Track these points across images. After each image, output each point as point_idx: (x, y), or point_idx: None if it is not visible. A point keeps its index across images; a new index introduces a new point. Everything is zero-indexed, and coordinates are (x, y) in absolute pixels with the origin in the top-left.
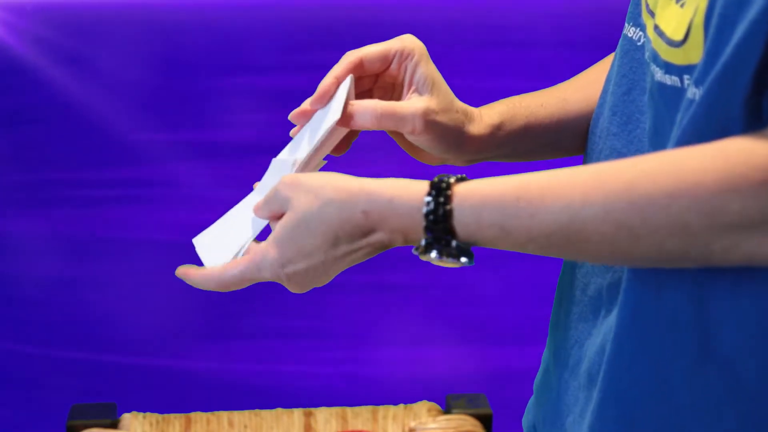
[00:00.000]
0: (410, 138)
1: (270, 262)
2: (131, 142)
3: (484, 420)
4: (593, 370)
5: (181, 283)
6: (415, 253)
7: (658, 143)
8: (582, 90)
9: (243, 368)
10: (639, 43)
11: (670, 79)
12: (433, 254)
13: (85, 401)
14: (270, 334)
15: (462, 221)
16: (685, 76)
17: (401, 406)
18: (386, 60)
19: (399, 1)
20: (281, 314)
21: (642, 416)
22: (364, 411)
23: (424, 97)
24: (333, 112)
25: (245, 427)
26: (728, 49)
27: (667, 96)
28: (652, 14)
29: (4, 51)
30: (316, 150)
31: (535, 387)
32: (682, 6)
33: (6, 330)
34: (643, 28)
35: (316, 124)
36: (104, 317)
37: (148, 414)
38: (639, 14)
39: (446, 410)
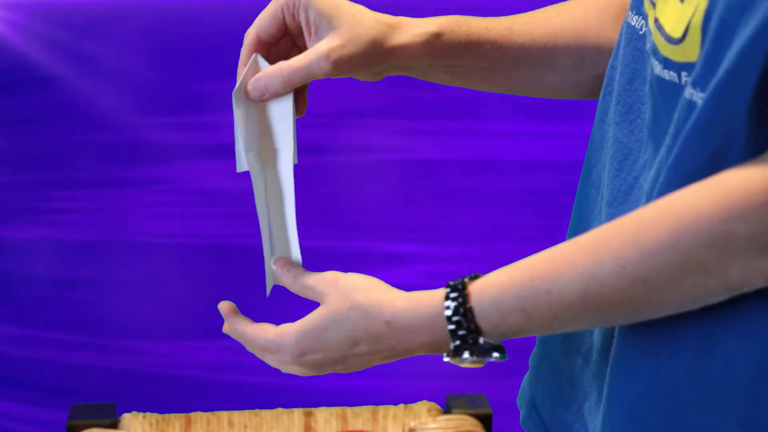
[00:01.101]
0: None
1: (290, 348)
2: (136, 141)
3: (484, 420)
4: (600, 362)
5: (181, 283)
6: (446, 359)
7: (656, 136)
8: (529, 26)
9: (243, 368)
10: (641, 32)
11: (669, 75)
12: (465, 355)
13: (85, 401)
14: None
15: (484, 315)
16: (683, 73)
17: (401, 406)
18: (279, 21)
19: (403, 1)
20: (281, 314)
21: (647, 413)
22: (364, 411)
23: (326, 38)
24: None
25: (245, 427)
26: (730, 55)
27: (665, 91)
28: (653, 5)
29: (7, 49)
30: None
31: (533, 365)
32: (682, 2)
33: (6, 330)
34: (644, 18)
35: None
36: (104, 317)
37: (148, 414)
38: (641, 3)
39: (446, 410)
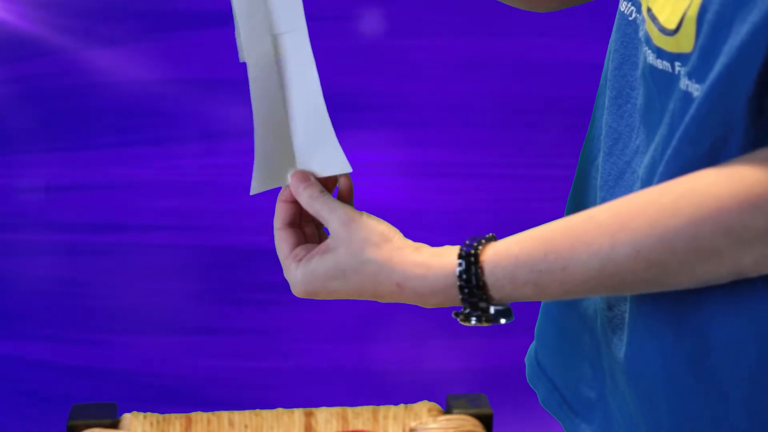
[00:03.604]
0: None
1: (294, 284)
2: (133, 141)
3: (485, 420)
4: (615, 345)
5: (181, 283)
6: (455, 316)
7: (649, 122)
8: None
9: (243, 367)
10: (631, 18)
11: (662, 64)
12: (473, 321)
13: (85, 401)
14: (270, 334)
15: (497, 287)
16: (677, 63)
17: (402, 406)
18: None
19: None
20: (282, 314)
21: (656, 399)
22: (365, 411)
23: None
24: None
25: (246, 427)
26: (728, 50)
27: (658, 80)
28: None
29: (19, 49)
30: None
31: (543, 340)
32: None
33: (7, 330)
34: (637, 5)
35: None
36: (105, 317)
37: (148, 414)
38: None
39: (447, 410)
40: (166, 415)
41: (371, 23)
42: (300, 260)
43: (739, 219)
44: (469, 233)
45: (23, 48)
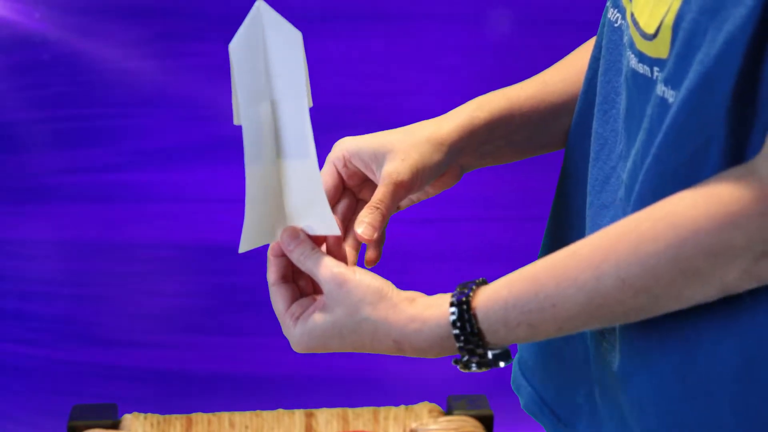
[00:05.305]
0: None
1: (292, 340)
2: (131, 141)
3: (485, 421)
4: (607, 350)
5: (183, 284)
6: (454, 364)
7: (630, 127)
8: (560, 71)
9: (244, 368)
10: (616, 25)
11: (642, 68)
12: (474, 367)
13: (86, 402)
14: (271, 335)
15: (491, 332)
16: (655, 68)
17: (402, 407)
18: (336, 177)
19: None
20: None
21: (647, 403)
22: (365, 412)
23: (387, 163)
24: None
25: (246, 427)
26: (704, 59)
27: (639, 84)
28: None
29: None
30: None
31: (524, 346)
32: None
33: (7, 330)
34: (622, 12)
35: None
36: (105, 318)
37: (149, 415)
38: None
39: (447, 411)
40: (167, 416)
41: (369, 23)
42: (297, 318)
43: (719, 239)
44: (462, 227)
45: (28, 48)
